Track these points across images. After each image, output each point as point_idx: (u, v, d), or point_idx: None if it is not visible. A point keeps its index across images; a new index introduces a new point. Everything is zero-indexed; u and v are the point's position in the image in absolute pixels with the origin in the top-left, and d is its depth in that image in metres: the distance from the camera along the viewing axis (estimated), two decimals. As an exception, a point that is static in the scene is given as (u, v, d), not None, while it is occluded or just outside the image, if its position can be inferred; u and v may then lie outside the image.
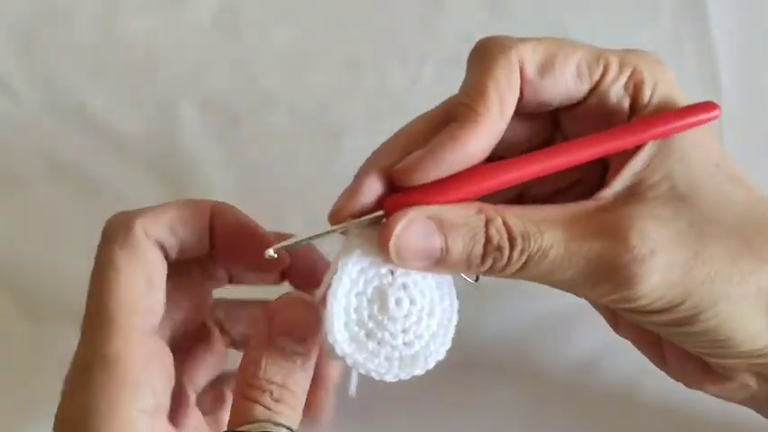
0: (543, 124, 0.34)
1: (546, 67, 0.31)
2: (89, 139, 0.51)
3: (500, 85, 0.30)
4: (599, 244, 0.30)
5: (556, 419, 0.44)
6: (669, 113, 0.31)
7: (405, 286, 0.30)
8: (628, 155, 0.31)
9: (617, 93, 0.32)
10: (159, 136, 0.51)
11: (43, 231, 0.49)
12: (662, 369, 0.36)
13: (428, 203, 0.30)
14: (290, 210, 0.49)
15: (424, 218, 0.29)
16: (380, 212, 0.30)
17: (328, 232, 0.31)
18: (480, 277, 0.32)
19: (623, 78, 0.32)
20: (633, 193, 0.31)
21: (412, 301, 0.30)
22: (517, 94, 0.31)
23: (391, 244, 0.29)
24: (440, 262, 0.30)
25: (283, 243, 0.32)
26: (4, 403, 0.45)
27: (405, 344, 0.30)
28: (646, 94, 0.32)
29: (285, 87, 0.52)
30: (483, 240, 0.30)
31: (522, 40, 0.31)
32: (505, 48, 0.31)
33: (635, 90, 0.32)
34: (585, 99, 0.32)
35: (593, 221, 0.30)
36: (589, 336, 0.43)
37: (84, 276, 0.47)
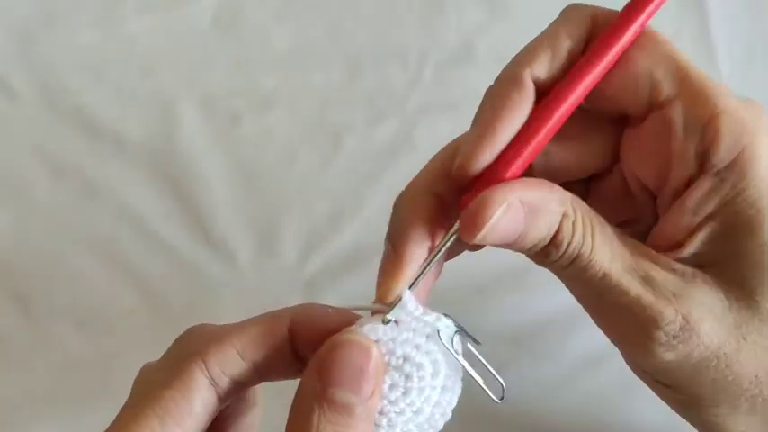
0: (603, 149, 0.31)
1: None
2: (89, 140, 0.51)
3: (555, 37, 0.30)
4: (641, 290, 0.28)
5: (557, 419, 0.44)
6: None
7: (408, 377, 0.28)
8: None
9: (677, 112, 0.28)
10: (159, 136, 0.51)
11: (43, 231, 0.49)
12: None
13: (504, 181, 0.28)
14: (290, 210, 0.49)
15: (518, 201, 0.27)
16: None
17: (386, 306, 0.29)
18: (504, 395, 0.29)
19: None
20: (693, 273, 0.28)
21: (405, 393, 0.28)
22: (579, 42, 0.29)
23: (486, 228, 0.27)
24: (512, 243, 0.28)
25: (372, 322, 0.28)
26: (5, 403, 0.45)
27: (374, 423, 0.28)
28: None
29: (285, 87, 0.52)
30: (554, 233, 0.28)
31: None
32: (579, 9, 0.30)
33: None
34: (643, 120, 0.29)
35: (645, 271, 0.28)
36: (591, 335, 0.43)
37: (85, 276, 0.47)
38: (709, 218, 0.28)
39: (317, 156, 0.50)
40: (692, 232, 0.28)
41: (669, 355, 0.28)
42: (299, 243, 0.48)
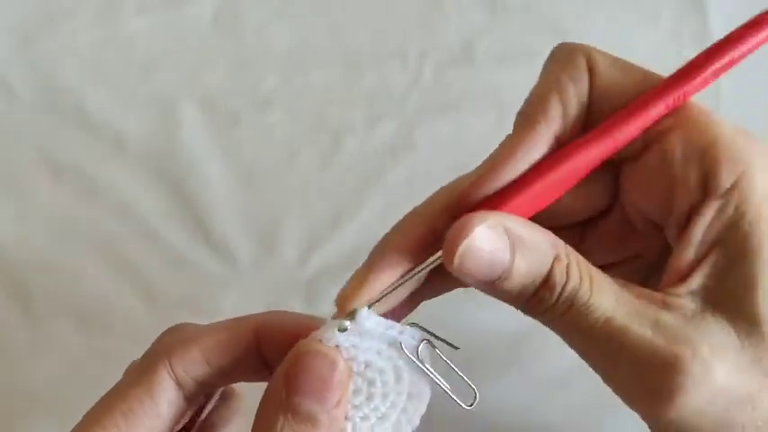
0: (602, 189, 0.31)
1: (616, 63, 0.29)
2: (89, 139, 0.51)
3: (561, 84, 0.28)
4: (651, 334, 0.26)
5: (554, 417, 0.44)
6: (724, 41, 0.29)
7: (371, 382, 0.28)
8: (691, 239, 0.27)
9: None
10: (159, 136, 0.51)
11: (43, 231, 0.49)
12: None
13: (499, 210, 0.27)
14: (290, 210, 0.49)
15: (501, 227, 0.26)
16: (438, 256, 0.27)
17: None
18: (475, 402, 0.29)
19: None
20: (702, 309, 0.27)
21: (369, 398, 0.28)
22: (584, 90, 0.29)
23: (462, 247, 0.26)
24: (494, 284, 0.27)
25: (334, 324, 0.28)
26: (4, 403, 0.45)
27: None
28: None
29: (285, 87, 0.52)
30: (544, 276, 0.27)
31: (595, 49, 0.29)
32: (573, 49, 0.29)
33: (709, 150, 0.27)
34: (642, 153, 0.29)
35: (652, 315, 0.27)
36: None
37: (84, 276, 0.48)
38: (714, 245, 0.27)
39: (317, 156, 0.50)
40: (698, 262, 0.27)
41: (692, 404, 0.26)
42: (299, 243, 0.48)
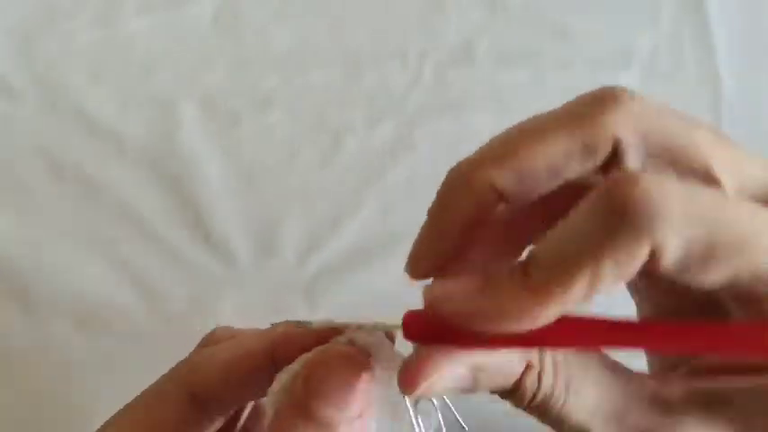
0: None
1: None
2: (89, 139, 0.51)
3: None
4: None
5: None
6: None
7: (391, 385, 0.26)
8: None
9: None
10: (159, 136, 0.51)
11: (43, 231, 0.49)
12: None
13: (470, 348, 0.23)
14: (290, 210, 0.49)
15: (465, 366, 0.24)
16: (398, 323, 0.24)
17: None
18: None
19: None
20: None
21: (384, 401, 0.27)
22: None
23: (422, 387, 0.23)
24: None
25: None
26: (4, 403, 0.45)
27: None
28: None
29: (285, 87, 0.52)
30: (512, 386, 0.25)
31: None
32: None
33: None
34: None
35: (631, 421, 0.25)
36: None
37: (85, 276, 0.48)
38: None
39: (317, 156, 0.50)
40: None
41: None
42: (299, 243, 0.48)
